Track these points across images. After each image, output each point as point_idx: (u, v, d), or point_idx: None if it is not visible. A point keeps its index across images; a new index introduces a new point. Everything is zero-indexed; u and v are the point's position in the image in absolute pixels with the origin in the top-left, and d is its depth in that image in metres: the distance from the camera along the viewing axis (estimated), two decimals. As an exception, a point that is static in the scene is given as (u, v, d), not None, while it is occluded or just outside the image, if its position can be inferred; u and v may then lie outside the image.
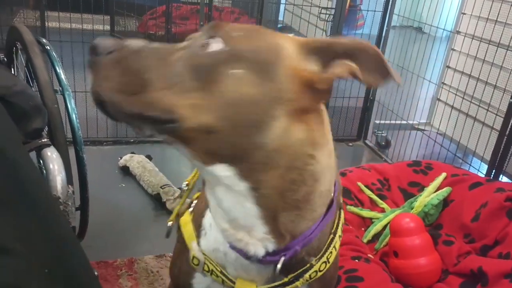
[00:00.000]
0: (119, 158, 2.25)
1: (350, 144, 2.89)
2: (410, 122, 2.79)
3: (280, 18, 4.55)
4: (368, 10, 2.78)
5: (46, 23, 2.48)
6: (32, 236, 0.68)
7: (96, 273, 1.18)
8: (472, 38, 2.42)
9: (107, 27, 4.15)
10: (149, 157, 2.23)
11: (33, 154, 1.09)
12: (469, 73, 2.44)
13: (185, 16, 4.24)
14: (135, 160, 2.18)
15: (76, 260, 0.72)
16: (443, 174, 1.73)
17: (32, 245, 0.67)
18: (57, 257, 0.69)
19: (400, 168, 1.91)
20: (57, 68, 1.36)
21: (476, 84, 2.35)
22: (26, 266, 0.63)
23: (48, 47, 1.43)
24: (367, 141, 2.91)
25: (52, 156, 1.03)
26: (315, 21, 3.36)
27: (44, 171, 1.01)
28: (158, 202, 1.98)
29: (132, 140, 2.50)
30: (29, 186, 0.71)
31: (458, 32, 2.57)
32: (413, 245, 1.41)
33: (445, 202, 1.64)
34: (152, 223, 1.89)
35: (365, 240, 1.59)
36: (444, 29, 2.64)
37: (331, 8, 2.77)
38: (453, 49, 2.64)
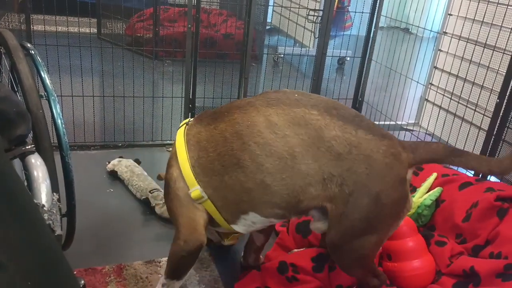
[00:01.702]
0: (107, 163, 2.22)
1: (340, 145, 2.89)
2: (399, 122, 2.80)
3: (268, 20, 4.55)
4: (356, 12, 2.78)
5: (32, 27, 2.44)
6: (16, 247, 0.66)
7: (82, 281, 1.16)
8: (459, 39, 2.44)
9: (94, 30, 4.11)
10: (137, 161, 2.21)
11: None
12: (456, 73, 2.46)
13: (173, 18, 4.21)
14: (123, 165, 2.16)
15: (60, 271, 0.70)
16: (434, 175, 1.73)
17: (16, 256, 0.65)
18: (41, 268, 0.67)
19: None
20: (42, 73, 1.33)
21: (464, 84, 2.37)
22: (9, 278, 0.61)
23: (32, 52, 1.40)
24: (356, 142, 2.91)
25: (36, 163, 1.00)
26: (303, 23, 3.36)
27: (28, 179, 0.99)
28: (147, 206, 1.96)
29: (120, 144, 2.47)
30: (13, 197, 0.69)
31: (445, 33, 2.59)
32: (406, 248, 1.41)
33: (437, 203, 1.65)
34: (141, 228, 1.87)
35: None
36: (431, 30, 2.66)
37: (319, 10, 2.77)
38: (440, 50, 2.66)
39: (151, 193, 1.95)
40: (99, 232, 1.79)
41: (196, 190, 1.23)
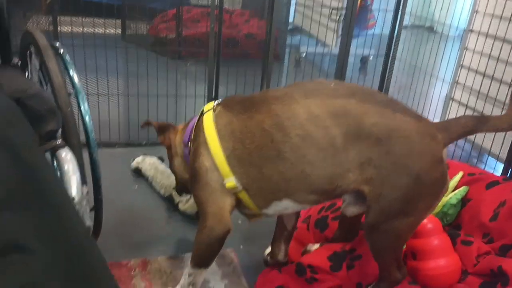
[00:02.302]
0: (132, 160, 2.25)
1: (363, 144, 2.86)
2: (424, 122, 2.76)
3: (290, 19, 4.54)
4: (379, 10, 2.75)
5: (59, 28, 2.51)
6: (50, 235, 0.68)
7: (111, 274, 1.19)
8: (486, 36, 2.39)
9: (119, 31, 4.19)
10: (161, 158, 2.24)
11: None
12: (483, 71, 2.41)
13: (195, 18, 4.25)
14: (147, 162, 2.19)
15: (94, 260, 0.72)
16: (460, 173, 1.70)
17: (50, 244, 0.67)
18: (74, 256, 0.69)
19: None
20: (71, 71, 1.37)
21: (491, 82, 2.32)
22: (45, 265, 0.63)
23: (61, 51, 1.44)
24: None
25: (67, 157, 1.03)
26: (326, 22, 3.35)
27: (59, 172, 1.02)
28: (170, 203, 1.99)
29: (144, 142, 2.51)
30: (46, 187, 0.71)
31: (471, 31, 2.54)
32: (431, 246, 1.39)
33: (463, 202, 1.62)
34: (165, 224, 1.89)
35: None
36: (457, 28, 2.61)
37: (342, 9, 2.75)
38: (466, 48, 2.61)
39: (174, 190, 1.98)
40: (124, 227, 1.82)
41: (231, 181, 1.25)
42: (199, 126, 1.33)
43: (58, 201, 0.73)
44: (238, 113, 1.26)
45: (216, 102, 1.36)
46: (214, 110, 1.32)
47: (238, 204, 1.31)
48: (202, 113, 1.35)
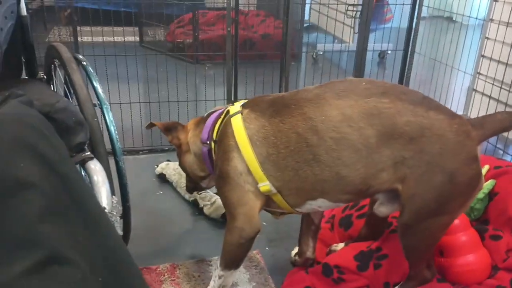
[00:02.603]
0: (156, 166, 2.29)
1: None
2: (446, 115, 2.72)
3: (306, 17, 4.53)
4: (396, 4, 2.73)
5: (80, 38, 2.57)
6: (87, 246, 0.70)
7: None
8: (507, 26, 2.35)
9: (137, 39, 4.25)
10: (184, 163, 2.27)
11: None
12: (505, 61, 2.36)
13: (211, 22, 4.29)
14: (171, 167, 2.22)
15: (129, 268, 0.75)
16: (486, 167, 1.67)
17: (87, 255, 0.69)
18: (111, 266, 0.71)
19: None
20: (94, 83, 1.41)
21: (514, 72, 2.27)
22: (84, 275, 0.66)
23: (84, 63, 1.48)
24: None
25: (96, 168, 1.06)
26: (342, 19, 3.33)
27: (89, 183, 1.05)
28: (195, 208, 2.01)
29: (167, 148, 2.55)
30: (82, 199, 0.74)
31: (492, 20, 2.50)
32: (459, 243, 1.37)
33: (490, 196, 1.59)
34: (191, 228, 1.92)
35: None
36: (476, 18, 2.57)
37: (358, 5, 2.74)
38: (487, 38, 2.57)
39: (199, 194, 2.00)
40: (151, 233, 1.85)
41: (265, 185, 1.26)
42: (225, 128, 1.32)
43: (93, 211, 0.76)
44: (270, 117, 1.26)
45: (242, 104, 1.35)
46: (242, 113, 1.30)
47: (269, 203, 1.32)
48: (227, 114, 1.35)
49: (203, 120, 1.47)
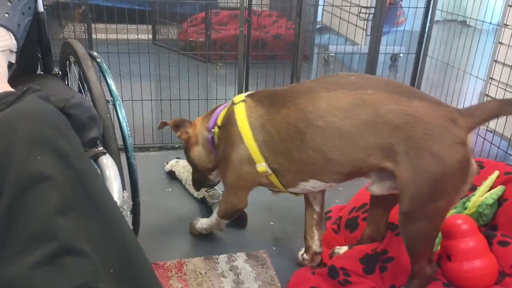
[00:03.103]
0: (165, 163, 2.31)
1: (394, 143, 2.83)
2: (457, 119, 2.70)
3: (319, 19, 4.53)
4: (409, 7, 2.72)
5: (94, 35, 2.60)
6: (100, 240, 0.72)
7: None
8: (522, 30, 2.33)
9: (150, 36, 4.28)
10: (194, 161, 2.28)
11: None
12: (519, 66, 2.34)
13: (224, 21, 4.30)
14: (180, 165, 2.24)
15: (141, 264, 0.76)
16: (496, 173, 1.66)
17: (100, 248, 0.71)
18: (123, 260, 0.73)
19: (448, 167, 1.86)
20: (108, 80, 1.43)
21: (528, 78, 2.25)
22: (96, 268, 0.67)
23: (99, 60, 1.50)
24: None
25: (108, 164, 1.08)
26: (355, 21, 3.32)
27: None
28: (204, 205, 2.03)
29: (177, 146, 2.57)
30: (95, 194, 0.75)
31: (506, 25, 2.48)
32: (467, 248, 1.37)
33: (499, 202, 1.58)
34: (199, 226, 1.93)
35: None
36: (490, 23, 2.55)
37: (371, 7, 2.73)
38: (500, 43, 2.55)
39: (207, 192, 2.02)
40: (159, 229, 1.87)
41: (262, 167, 1.42)
42: (229, 115, 1.47)
43: (107, 206, 0.77)
44: (267, 108, 1.40)
45: (246, 94, 1.50)
46: (245, 102, 1.45)
47: (266, 183, 1.48)
48: (232, 103, 1.49)
49: (210, 112, 1.62)
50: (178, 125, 1.68)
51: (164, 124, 1.69)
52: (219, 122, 1.52)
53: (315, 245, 1.59)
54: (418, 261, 1.32)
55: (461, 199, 1.68)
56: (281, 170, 1.40)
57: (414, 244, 1.31)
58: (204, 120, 1.64)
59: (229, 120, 1.46)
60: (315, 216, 1.60)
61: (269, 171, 1.42)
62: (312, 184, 1.39)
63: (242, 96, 1.48)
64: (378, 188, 1.35)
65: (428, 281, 1.35)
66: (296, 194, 1.53)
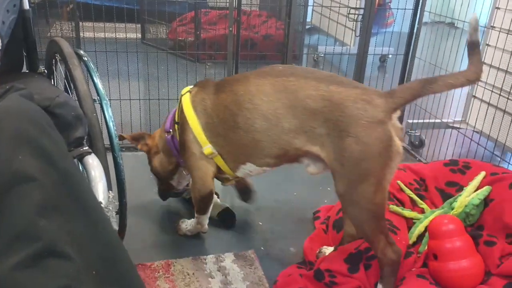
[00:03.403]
0: (154, 163, 2.29)
1: (383, 144, 2.85)
2: (445, 120, 2.73)
3: (308, 19, 4.54)
4: (398, 8, 2.73)
5: (82, 34, 2.57)
6: (84, 240, 0.71)
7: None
8: (508, 33, 2.35)
9: (139, 35, 4.25)
10: (182, 161, 2.27)
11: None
12: (504, 68, 2.37)
13: (213, 21, 4.29)
14: (169, 165, 2.22)
15: (125, 264, 0.75)
16: (482, 173, 1.68)
17: (83, 249, 0.70)
18: (107, 261, 0.72)
19: (436, 167, 1.87)
20: (95, 78, 1.41)
21: (514, 79, 2.28)
22: (79, 269, 0.66)
23: (86, 59, 1.48)
24: (400, 141, 2.86)
25: (94, 163, 1.07)
26: (344, 21, 3.33)
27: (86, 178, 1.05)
28: (191, 206, 2.01)
29: (165, 145, 2.54)
30: (79, 194, 0.74)
31: (493, 27, 2.50)
32: (453, 247, 1.38)
33: (485, 202, 1.60)
34: (187, 226, 1.92)
35: (410, 242, 1.57)
36: (478, 25, 2.57)
37: (360, 8, 2.74)
38: (487, 45, 2.57)
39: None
40: (147, 230, 1.86)
41: (208, 148, 1.54)
42: (181, 108, 1.60)
43: (90, 206, 0.76)
44: (209, 93, 1.54)
45: (192, 86, 1.64)
46: (191, 92, 1.60)
47: (219, 170, 1.60)
48: (181, 96, 1.62)
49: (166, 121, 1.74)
50: (137, 139, 1.79)
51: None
52: (176, 118, 1.64)
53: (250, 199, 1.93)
54: (374, 244, 1.35)
55: (448, 199, 1.69)
56: (223, 152, 1.53)
57: (361, 226, 1.35)
58: (161, 129, 1.77)
59: (180, 110, 1.60)
60: (242, 180, 1.86)
61: (215, 152, 1.54)
62: (249, 168, 1.53)
63: (188, 87, 1.63)
64: (313, 169, 1.43)
65: (396, 266, 1.36)
66: (236, 180, 1.73)
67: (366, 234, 1.36)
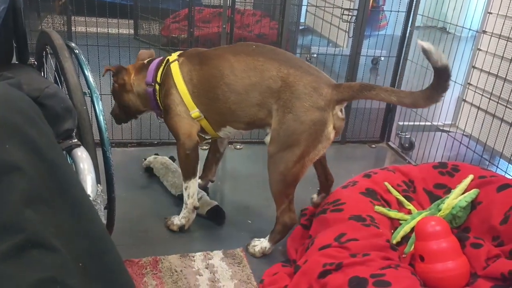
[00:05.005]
0: (143, 160, 2.28)
1: (373, 145, 2.87)
2: (435, 123, 2.75)
3: (302, 20, 4.54)
4: (391, 11, 2.75)
5: (74, 28, 2.54)
6: (70, 232, 0.70)
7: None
8: (499, 38, 2.38)
9: (131, 31, 4.22)
10: (172, 158, 2.26)
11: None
12: (495, 73, 2.39)
13: (207, 19, 4.27)
14: (159, 162, 2.21)
15: (111, 257, 0.74)
16: (470, 176, 1.69)
17: (69, 241, 0.69)
18: (94, 253, 0.71)
19: (425, 170, 1.88)
20: (86, 71, 1.39)
21: (503, 84, 2.30)
22: (64, 261, 0.65)
23: (76, 51, 1.46)
24: (390, 143, 2.88)
25: (83, 156, 1.06)
26: (337, 23, 3.34)
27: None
28: (181, 202, 2.01)
29: (155, 142, 2.54)
30: (67, 186, 0.73)
31: (485, 32, 2.53)
32: (439, 249, 1.38)
33: (473, 205, 1.61)
34: (176, 223, 1.91)
35: (394, 242, 1.57)
36: (469, 29, 2.59)
37: (354, 10, 2.75)
38: (479, 49, 2.60)
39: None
40: (136, 225, 1.85)
41: (196, 112, 1.71)
42: (166, 72, 1.73)
43: (78, 199, 0.75)
44: (195, 65, 1.71)
45: (178, 53, 1.78)
46: (178, 60, 1.73)
47: (202, 131, 1.76)
48: (167, 62, 1.75)
49: (145, 66, 1.83)
50: (117, 72, 1.85)
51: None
52: (158, 79, 1.76)
53: (210, 175, 2.10)
54: (278, 204, 1.65)
55: (436, 201, 1.70)
56: (208, 117, 1.71)
57: (274, 185, 1.62)
58: (139, 73, 1.83)
59: (167, 76, 1.73)
60: (217, 155, 2.06)
61: (202, 115, 1.71)
62: (229, 130, 1.74)
63: (175, 55, 1.76)
64: (268, 139, 1.64)
65: (286, 229, 1.67)
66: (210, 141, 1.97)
67: (274, 193, 1.64)
